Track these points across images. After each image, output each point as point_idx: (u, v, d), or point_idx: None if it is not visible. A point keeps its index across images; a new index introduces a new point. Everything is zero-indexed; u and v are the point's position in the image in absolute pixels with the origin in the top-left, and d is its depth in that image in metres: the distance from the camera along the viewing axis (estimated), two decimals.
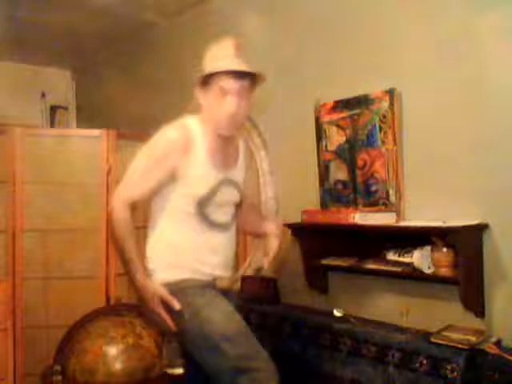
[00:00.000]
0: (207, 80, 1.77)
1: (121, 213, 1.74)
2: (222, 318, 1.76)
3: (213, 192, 1.81)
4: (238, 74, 1.75)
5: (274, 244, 1.98)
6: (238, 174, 1.93)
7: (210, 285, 1.85)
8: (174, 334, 1.86)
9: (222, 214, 1.88)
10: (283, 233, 2.82)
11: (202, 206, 1.80)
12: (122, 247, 1.76)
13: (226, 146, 1.88)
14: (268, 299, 2.87)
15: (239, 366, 1.70)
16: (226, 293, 1.90)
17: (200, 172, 1.79)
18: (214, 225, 1.85)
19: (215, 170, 1.82)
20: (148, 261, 1.85)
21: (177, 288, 1.79)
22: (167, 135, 1.79)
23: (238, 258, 3.11)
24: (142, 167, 1.79)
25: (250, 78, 1.79)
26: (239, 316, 1.81)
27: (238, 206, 1.97)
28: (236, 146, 1.97)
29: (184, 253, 1.84)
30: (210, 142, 1.82)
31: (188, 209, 1.80)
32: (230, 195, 1.89)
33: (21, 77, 5.05)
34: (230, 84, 1.74)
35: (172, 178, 1.78)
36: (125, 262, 1.77)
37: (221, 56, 1.79)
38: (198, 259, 1.84)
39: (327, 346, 2.39)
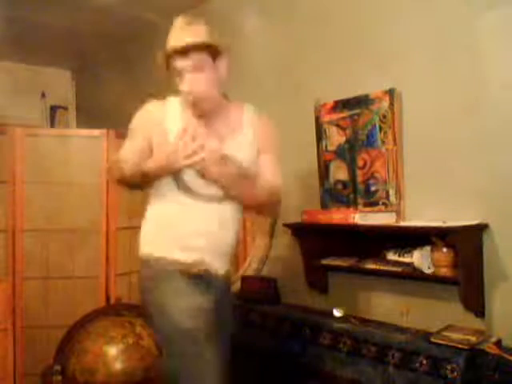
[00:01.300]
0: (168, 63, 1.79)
1: (114, 169, 1.82)
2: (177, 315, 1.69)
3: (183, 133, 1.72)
4: (184, 50, 1.71)
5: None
6: (235, 146, 1.80)
7: (196, 276, 1.75)
8: None
9: (207, 185, 1.75)
10: (283, 233, 2.84)
11: (178, 172, 1.74)
12: (137, 176, 1.75)
13: (211, 124, 1.81)
14: (268, 299, 2.87)
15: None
16: (207, 280, 1.78)
17: (173, 135, 1.75)
18: (197, 195, 1.76)
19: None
20: (140, 241, 1.85)
21: (153, 268, 1.76)
22: (145, 107, 1.88)
23: (237, 258, 3.12)
24: (128, 136, 1.89)
25: (204, 49, 1.73)
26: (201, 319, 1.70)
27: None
28: (234, 119, 1.86)
29: (166, 228, 1.79)
30: (187, 118, 1.80)
31: (167, 178, 1.77)
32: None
33: (21, 77, 5.05)
34: (178, 62, 1.73)
35: (151, 150, 1.81)
36: (149, 176, 1.75)
37: (170, 36, 1.79)
38: (181, 237, 1.76)
39: (327, 345, 2.39)
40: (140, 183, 1.80)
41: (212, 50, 1.74)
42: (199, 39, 1.72)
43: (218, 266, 1.83)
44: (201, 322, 1.69)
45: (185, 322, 1.67)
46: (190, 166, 1.67)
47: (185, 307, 1.69)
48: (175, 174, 1.75)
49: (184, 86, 1.74)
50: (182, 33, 1.75)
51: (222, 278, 1.85)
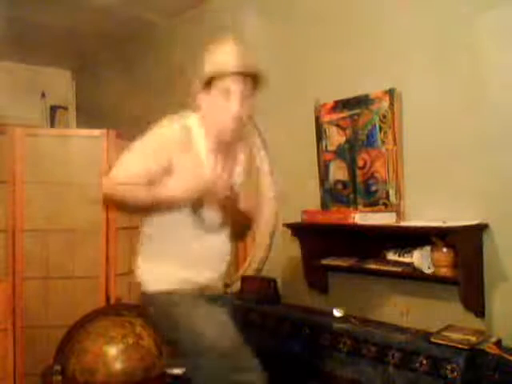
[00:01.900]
0: (209, 83, 1.73)
1: (112, 189, 1.66)
2: (212, 330, 1.71)
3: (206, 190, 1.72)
4: (241, 75, 1.71)
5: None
6: (235, 178, 1.88)
7: (200, 294, 1.79)
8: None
9: (215, 216, 1.80)
10: (283, 233, 2.84)
11: (199, 204, 1.73)
12: (138, 205, 1.68)
13: (226, 151, 1.82)
14: (268, 299, 2.87)
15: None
16: (217, 299, 1.85)
17: (192, 163, 1.73)
18: (207, 226, 1.78)
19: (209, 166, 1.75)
20: (138, 272, 1.83)
21: (164, 298, 1.76)
22: (168, 129, 1.73)
23: (237, 258, 3.12)
24: (135, 153, 1.71)
25: (252, 78, 1.75)
26: (229, 327, 1.74)
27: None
28: (236, 151, 1.90)
29: (172, 261, 1.79)
30: (211, 144, 1.78)
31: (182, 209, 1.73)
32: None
33: (21, 77, 5.06)
34: (235, 85, 1.70)
35: (165, 174, 1.71)
36: (152, 206, 1.70)
37: (224, 59, 1.73)
38: (187, 266, 1.78)
39: (327, 345, 2.39)
40: (142, 210, 1.74)
41: (257, 81, 1.77)
42: (255, 69, 1.75)
43: (220, 284, 1.92)
44: (231, 336, 1.72)
45: (220, 340, 1.69)
46: (216, 201, 1.71)
47: (215, 324, 1.73)
48: (195, 206, 1.72)
49: (235, 109, 1.70)
50: (243, 57, 1.75)
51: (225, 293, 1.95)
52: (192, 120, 1.79)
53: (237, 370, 1.68)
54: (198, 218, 1.75)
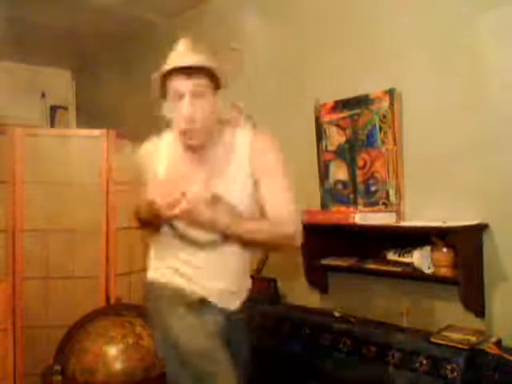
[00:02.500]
0: (165, 87, 1.66)
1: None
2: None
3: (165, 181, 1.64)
4: (188, 72, 1.59)
5: None
6: (226, 183, 1.66)
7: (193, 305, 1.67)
8: None
9: (203, 232, 1.63)
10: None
11: (170, 221, 1.66)
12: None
13: (200, 157, 1.69)
14: (268, 299, 2.87)
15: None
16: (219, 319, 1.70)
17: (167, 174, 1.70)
18: (193, 243, 1.67)
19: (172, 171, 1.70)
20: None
21: (154, 288, 1.74)
22: (140, 150, 1.81)
23: None
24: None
25: (207, 75, 1.61)
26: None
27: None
28: (227, 148, 1.70)
29: (170, 264, 1.73)
30: (176, 155, 1.71)
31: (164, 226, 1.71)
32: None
33: (21, 77, 5.05)
34: (178, 83, 1.60)
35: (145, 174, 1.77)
36: (147, 225, 1.73)
37: (171, 57, 1.66)
38: (181, 275, 1.70)
39: (327, 345, 2.39)
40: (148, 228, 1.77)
41: (214, 79, 1.64)
42: (206, 63, 1.61)
43: (223, 302, 1.72)
44: (202, 343, 1.61)
45: (188, 343, 1.61)
46: (174, 217, 1.54)
47: (185, 328, 1.64)
48: (167, 221, 1.65)
49: (181, 109, 1.60)
50: (187, 54, 1.63)
51: (228, 312, 1.73)
52: (167, 135, 1.78)
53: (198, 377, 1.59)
54: (175, 231, 1.68)
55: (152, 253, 1.83)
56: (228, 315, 1.73)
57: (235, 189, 1.67)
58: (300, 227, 1.70)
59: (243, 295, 1.81)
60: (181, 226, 1.66)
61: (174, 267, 1.71)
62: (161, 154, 1.76)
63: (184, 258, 1.70)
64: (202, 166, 1.68)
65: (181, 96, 1.60)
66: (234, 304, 1.76)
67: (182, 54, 1.64)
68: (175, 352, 1.62)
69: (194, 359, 1.60)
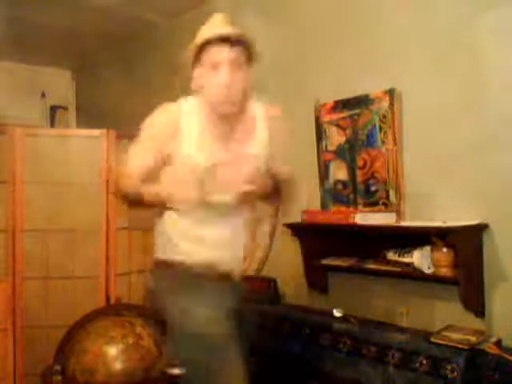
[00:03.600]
0: (200, 56, 1.69)
1: (120, 183, 1.73)
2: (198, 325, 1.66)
3: (206, 171, 1.69)
4: (229, 43, 1.64)
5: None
6: (253, 150, 1.77)
7: (207, 277, 1.74)
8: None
9: (224, 195, 1.71)
10: (283, 233, 2.83)
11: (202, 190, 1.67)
12: (140, 196, 1.70)
13: (227, 125, 1.74)
14: (268, 299, 2.87)
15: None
16: (227, 284, 1.79)
17: (188, 154, 1.70)
18: (214, 208, 1.71)
19: (207, 152, 1.71)
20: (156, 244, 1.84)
21: (167, 273, 1.76)
22: (155, 117, 1.75)
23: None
24: (136, 146, 1.77)
25: (242, 48, 1.68)
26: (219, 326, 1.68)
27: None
28: (248, 122, 1.79)
29: (185, 236, 1.77)
30: (204, 122, 1.73)
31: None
32: (235, 174, 1.72)
33: (21, 77, 5.05)
34: (220, 53, 1.65)
35: (165, 162, 1.73)
36: (159, 201, 1.70)
37: (209, 28, 1.70)
38: (196, 244, 1.76)
39: (327, 345, 2.39)
40: (142, 204, 1.74)
41: (247, 52, 1.70)
42: (244, 35, 1.67)
43: (236, 268, 1.85)
44: (222, 325, 1.67)
45: (208, 326, 1.66)
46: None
47: (208, 312, 1.68)
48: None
49: (221, 78, 1.64)
50: (225, 25, 1.69)
51: (239, 280, 1.87)
52: (188, 103, 1.76)
53: (217, 360, 1.64)
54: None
55: (163, 236, 1.82)
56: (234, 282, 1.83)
57: (261, 154, 1.79)
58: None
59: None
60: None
61: (189, 239, 1.75)
62: (186, 119, 1.73)
63: (200, 234, 1.75)
64: (229, 132, 1.75)
65: (217, 66, 1.65)
66: (235, 270, 1.85)
67: (219, 25, 1.69)
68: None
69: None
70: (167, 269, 1.79)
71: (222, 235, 1.79)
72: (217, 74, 1.65)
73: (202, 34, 1.69)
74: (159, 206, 1.75)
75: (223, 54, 1.65)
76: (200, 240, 1.76)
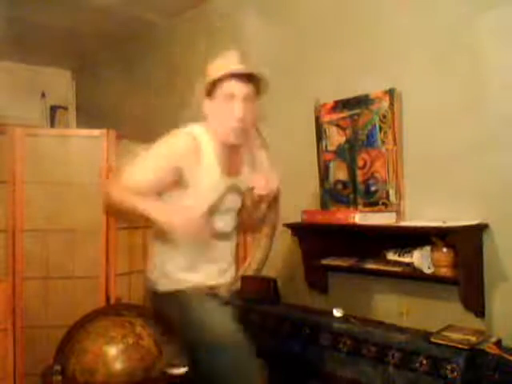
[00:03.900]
0: (212, 89, 1.77)
1: (116, 195, 1.72)
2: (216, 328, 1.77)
3: (220, 200, 1.83)
4: (243, 78, 1.75)
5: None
6: (243, 181, 1.91)
7: (207, 294, 1.87)
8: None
9: (225, 223, 1.90)
10: (283, 233, 2.83)
11: (210, 214, 1.80)
12: (130, 213, 1.74)
13: (232, 154, 1.86)
14: (268, 299, 2.87)
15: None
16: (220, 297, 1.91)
17: (210, 180, 1.79)
18: (216, 234, 1.85)
19: (224, 178, 1.82)
20: (148, 272, 1.91)
21: (172, 297, 1.83)
22: (177, 140, 1.77)
23: (237, 258, 3.11)
24: (147, 161, 1.77)
25: (254, 83, 1.78)
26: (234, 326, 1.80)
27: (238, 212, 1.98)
28: (241, 153, 1.92)
29: (182, 263, 1.86)
30: (218, 150, 1.80)
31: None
32: (235, 202, 1.91)
33: (21, 77, 5.05)
34: (237, 88, 1.74)
35: (176, 185, 1.76)
36: (141, 216, 1.72)
37: (224, 63, 1.77)
38: (194, 269, 1.87)
39: (327, 345, 2.39)
40: (125, 216, 1.85)
41: (259, 87, 1.81)
42: (259, 73, 1.78)
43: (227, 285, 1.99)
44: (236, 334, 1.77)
45: (226, 336, 1.75)
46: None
47: (222, 321, 1.79)
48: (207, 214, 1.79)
49: (238, 111, 1.74)
50: (241, 62, 1.77)
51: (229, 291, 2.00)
52: (199, 130, 1.81)
53: (235, 366, 1.72)
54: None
55: (157, 256, 1.90)
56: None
57: (246, 184, 1.91)
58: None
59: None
60: (220, 224, 1.88)
61: (188, 266, 1.85)
62: (205, 147, 1.79)
63: (201, 252, 1.85)
64: (233, 161, 1.87)
65: (231, 98, 1.74)
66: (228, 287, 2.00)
67: (236, 61, 1.77)
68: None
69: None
70: (166, 296, 1.86)
71: (212, 259, 1.90)
72: (232, 107, 1.75)
73: (219, 69, 1.76)
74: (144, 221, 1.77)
75: (240, 89, 1.75)
76: (193, 269, 1.86)
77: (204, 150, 1.78)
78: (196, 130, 1.80)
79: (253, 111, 1.80)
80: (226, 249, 1.95)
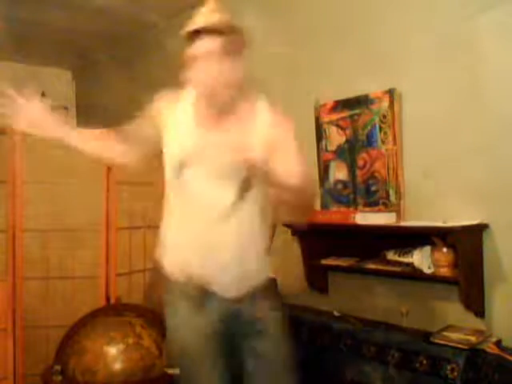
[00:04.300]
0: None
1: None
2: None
3: (195, 152, 1.61)
4: (214, 33, 1.57)
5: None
6: (250, 138, 1.64)
7: (198, 293, 1.68)
8: None
9: (223, 192, 1.61)
10: (283, 233, 2.83)
11: (182, 166, 1.62)
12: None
13: (223, 112, 1.67)
14: None
15: None
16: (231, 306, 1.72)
17: (182, 128, 1.68)
18: (211, 207, 1.62)
19: (200, 129, 1.66)
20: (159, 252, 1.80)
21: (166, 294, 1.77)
22: (160, 96, 1.78)
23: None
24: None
25: (231, 37, 1.60)
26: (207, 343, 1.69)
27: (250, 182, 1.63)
28: (243, 113, 1.70)
29: (183, 251, 1.71)
30: (200, 107, 1.68)
31: (168, 175, 1.68)
32: (228, 168, 1.56)
33: (21, 77, 5.05)
34: (197, 47, 1.60)
35: (156, 128, 1.76)
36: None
37: (193, 19, 1.63)
38: (189, 257, 1.68)
39: (327, 345, 2.39)
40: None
41: (236, 40, 1.62)
42: (226, 23, 1.60)
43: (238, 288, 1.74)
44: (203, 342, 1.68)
45: (193, 341, 1.68)
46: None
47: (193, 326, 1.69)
48: (178, 166, 1.66)
49: (197, 74, 1.60)
50: (212, 15, 1.61)
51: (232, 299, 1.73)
52: (188, 93, 1.72)
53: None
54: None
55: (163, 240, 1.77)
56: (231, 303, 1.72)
57: (256, 143, 1.65)
58: (311, 185, 1.75)
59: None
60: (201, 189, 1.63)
61: (188, 253, 1.69)
62: (183, 104, 1.72)
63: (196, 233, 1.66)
64: (224, 117, 1.67)
65: (196, 59, 1.60)
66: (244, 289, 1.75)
67: (206, 14, 1.62)
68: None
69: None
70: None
71: (209, 246, 1.67)
72: (196, 67, 1.60)
73: (189, 25, 1.63)
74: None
75: (197, 48, 1.60)
76: (187, 256, 1.70)
77: (184, 102, 1.72)
78: (185, 92, 1.74)
79: (234, 68, 1.61)
80: (231, 235, 1.64)
